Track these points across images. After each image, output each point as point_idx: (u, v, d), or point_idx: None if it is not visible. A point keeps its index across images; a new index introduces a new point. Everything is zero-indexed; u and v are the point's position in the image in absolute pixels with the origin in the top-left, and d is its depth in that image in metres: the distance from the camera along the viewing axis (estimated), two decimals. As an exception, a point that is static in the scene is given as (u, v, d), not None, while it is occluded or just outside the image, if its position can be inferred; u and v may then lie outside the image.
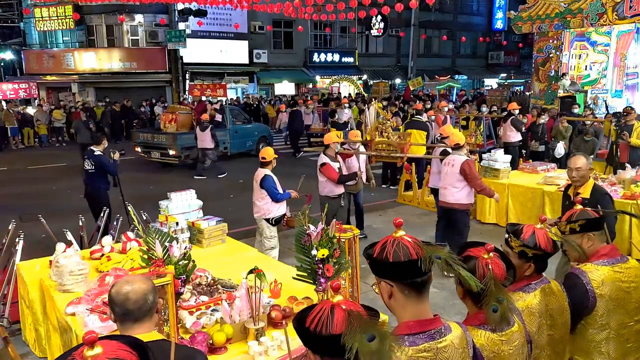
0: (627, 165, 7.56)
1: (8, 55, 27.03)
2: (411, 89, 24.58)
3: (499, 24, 37.06)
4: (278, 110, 20.75)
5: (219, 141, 13.35)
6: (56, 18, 22.89)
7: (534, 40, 16.12)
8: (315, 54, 30.32)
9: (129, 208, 4.56)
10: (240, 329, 2.95)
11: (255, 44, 27.46)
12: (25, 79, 23.92)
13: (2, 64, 26.60)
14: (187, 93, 22.81)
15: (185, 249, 3.15)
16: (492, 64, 38.69)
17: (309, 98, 22.51)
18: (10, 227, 5.26)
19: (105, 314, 3.05)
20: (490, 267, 1.92)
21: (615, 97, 15.13)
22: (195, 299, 3.36)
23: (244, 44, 26.93)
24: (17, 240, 4.88)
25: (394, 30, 30.80)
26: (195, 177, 12.47)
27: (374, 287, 1.72)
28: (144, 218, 5.60)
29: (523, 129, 11.05)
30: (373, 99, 15.39)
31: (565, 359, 2.40)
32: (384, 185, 10.78)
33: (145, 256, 3.01)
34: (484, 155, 8.64)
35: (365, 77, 31.46)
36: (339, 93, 27.22)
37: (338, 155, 6.80)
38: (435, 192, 7.32)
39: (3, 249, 5.16)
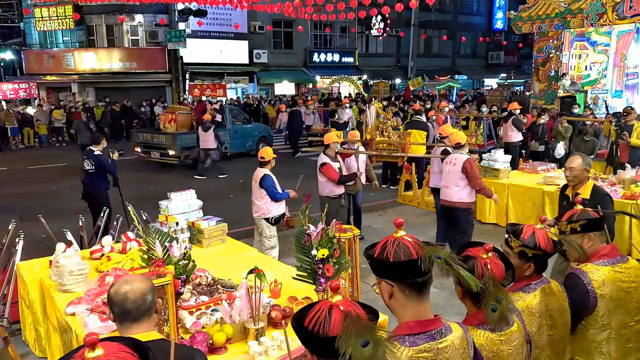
0: (627, 165, 7.56)
1: (8, 55, 27.02)
2: (411, 89, 24.57)
3: (499, 24, 37.03)
4: (278, 110, 20.75)
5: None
6: (56, 18, 22.88)
7: (534, 40, 16.12)
8: (315, 54, 30.31)
9: (129, 208, 4.55)
10: (240, 329, 2.95)
11: (255, 44, 27.45)
12: (25, 79, 23.92)
13: (2, 64, 26.58)
14: (187, 93, 22.79)
15: (185, 249, 3.15)
16: (492, 64, 38.66)
17: (308, 98, 22.50)
18: (10, 227, 5.25)
19: (105, 314, 3.05)
20: (489, 267, 1.92)
21: (615, 97, 15.12)
22: (195, 299, 3.36)
23: (244, 44, 26.92)
24: (17, 240, 4.87)
25: (394, 30, 30.74)
26: (195, 176, 12.49)
27: (374, 287, 1.71)
28: (144, 218, 5.59)
29: (524, 129, 11.06)
30: (373, 99, 15.38)
31: (566, 359, 2.40)
32: (384, 185, 10.78)
33: (145, 256, 3.01)
34: (484, 155, 8.64)
35: (365, 77, 31.43)
36: (339, 93, 27.19)
37: (338, 155, 6.80)
38: (436, 191, 7.32)
39: (3, 249, 5.15)
